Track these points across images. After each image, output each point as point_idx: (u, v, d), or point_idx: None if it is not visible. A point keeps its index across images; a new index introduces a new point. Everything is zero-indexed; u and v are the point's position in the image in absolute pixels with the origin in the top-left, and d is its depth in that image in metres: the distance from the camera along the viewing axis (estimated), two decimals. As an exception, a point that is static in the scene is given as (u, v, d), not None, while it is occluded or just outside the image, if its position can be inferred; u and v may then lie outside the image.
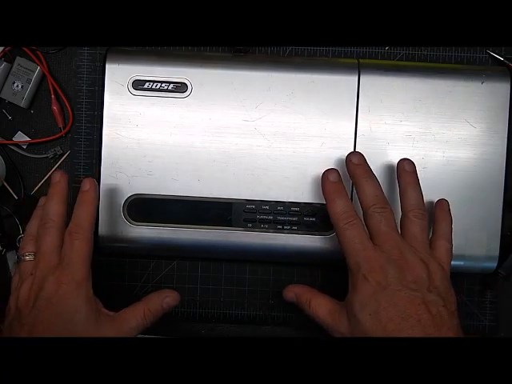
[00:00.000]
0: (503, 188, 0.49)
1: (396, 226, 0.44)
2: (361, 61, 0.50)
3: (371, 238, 0.43)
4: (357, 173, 0.45)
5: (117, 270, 0.53)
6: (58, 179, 0.46)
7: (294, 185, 0.49)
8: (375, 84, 0.49)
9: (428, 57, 0.53)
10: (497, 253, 0.49)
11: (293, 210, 0.49)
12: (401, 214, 0.45)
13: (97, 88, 0.53)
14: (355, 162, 0.46)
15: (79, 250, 0.43)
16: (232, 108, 0.49)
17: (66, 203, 0.45)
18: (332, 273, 0.54)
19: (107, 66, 0.49)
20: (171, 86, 0.49)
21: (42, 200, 0.49)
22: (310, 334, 0.53)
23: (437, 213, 0.47)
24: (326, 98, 0.49)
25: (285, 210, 0.49)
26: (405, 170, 0.46)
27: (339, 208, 0.44)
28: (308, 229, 0.49)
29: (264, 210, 0.49)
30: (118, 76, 0.49)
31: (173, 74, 0.49)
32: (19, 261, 0.45)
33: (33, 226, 0.47)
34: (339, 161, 0.49)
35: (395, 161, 0.48)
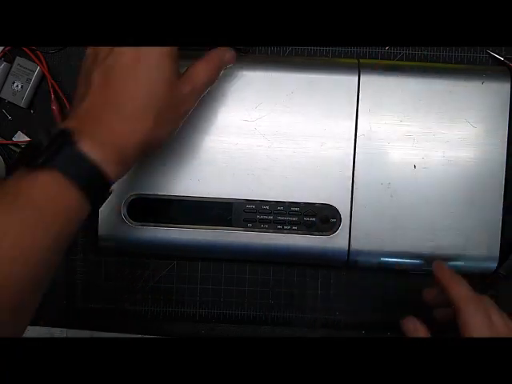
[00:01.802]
0: (503, 188, 0.49)
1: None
2: (361, 61, 0.50)
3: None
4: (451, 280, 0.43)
5: (117, 270, 0.53)
6: None
7: (294, 185, 0.49)
8: (375, 84, 0.49)
9: (428, 57, 0.53)
10: (497, 253, 0.49)
11: (293, 210, 0.49)
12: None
13: (97, 88, 0.53)
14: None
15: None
16: (232, 108, 0.49)
17: None
18: (332, 273, 0.54)
19: (107, 65, 0.49)
20: (171, 85, 0.49)
21: None
22: (310, 335, 0.53)
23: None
24: (326, 98, 0.49)
25: (285, 209, 0.49)
26: (442, 269, 0.45)
27: (465, 289, 0.42)
28: (308, 229, 0.49)
29: (264, 209, 0.49)
30: (117, 76, 0.49)
31: (173, 74, 0.49)
32: None
33: None
34: (339, 161, 0.49)
35: (395, 161, 0.48)
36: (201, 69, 0.43)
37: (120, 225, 0.49)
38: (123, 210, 0.49)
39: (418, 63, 0.53)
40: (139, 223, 0.49)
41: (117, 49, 0.39)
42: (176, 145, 0.49)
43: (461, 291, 0.42)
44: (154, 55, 0.39)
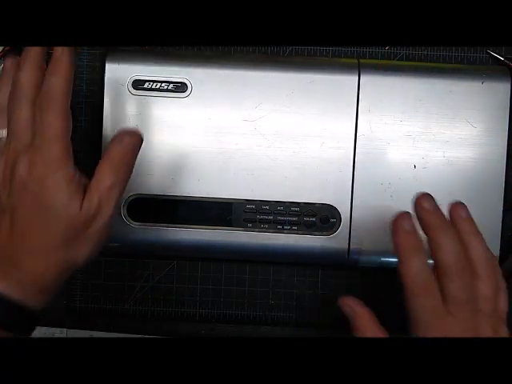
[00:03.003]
0: (503, 188, 0.49)
1: (471, 287, 0.38)
2: (361, 61, 0.50)
3: (444, 300, 0.38)
4: (433, 223, 0.38)
5: (117, 270, 0.53)
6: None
7: (294, 185, 0.49)
8: (375, 84, 0.49)
9: (428, 57, 0.53)
10: (497, 253, 0.49)
11: (293, 210, 0.49)
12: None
13: (96, 88, 0.53)
14: (428, 207, 0.38)
15: (51, 123, 0.37)
16: (232, 108, 0.49)
17: (41, 71, 0.39)
18: (332, 273, 0.54)
19: (107, 65, 0.49)
20: (171, 85, 0.49)
21: (7, 61, 0.43)
22: (310, 335, 0.53)
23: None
24: (325, 98, 0.49)
25: (285, 209, 0.49)
26: (461, 217, 0.40)
27: (416, 268, 0.37)
28: (308, 229, 0.49)
29: (264, 209, 0.49)
30: (117, 76, 0.49)
31: (173, 74, 0.49)
32: None
33: (1, 96, 0.41)
34: (339, 161, 0.49)
35: (395, 161, 0.48)
36: (104, 174, 0.39)
37: (120, 225, 0.49)
38: (123, 210, 0.49)
39: (418, 63, 0.53)
40: (139, 223, 0.49)
41: (16, 189, 0.38)
42: (176, 145, 0.49)
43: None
44: (52, 188, 0.37)
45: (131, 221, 0.49)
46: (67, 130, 0.38)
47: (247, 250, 0.50)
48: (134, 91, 0.49)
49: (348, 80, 0.49)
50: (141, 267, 0.53)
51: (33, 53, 0.40)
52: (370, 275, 0.53)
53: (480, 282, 0.39)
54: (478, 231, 0.40)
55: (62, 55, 0.39)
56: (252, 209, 0.49)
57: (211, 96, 0.49)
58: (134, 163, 0.40)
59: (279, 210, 0.49)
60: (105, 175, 0.39)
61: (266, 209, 0.49)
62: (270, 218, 0.49)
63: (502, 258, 0.50)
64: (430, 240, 0.38)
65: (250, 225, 0.49)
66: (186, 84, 0.49)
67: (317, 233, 0.49)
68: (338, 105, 0.49)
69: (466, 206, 0.40)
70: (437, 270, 0.38)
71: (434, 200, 0.39)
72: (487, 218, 0.49)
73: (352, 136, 0.49)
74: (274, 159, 0.49)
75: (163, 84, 0.49)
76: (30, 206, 0.37)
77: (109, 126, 0.49)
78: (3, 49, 0.52)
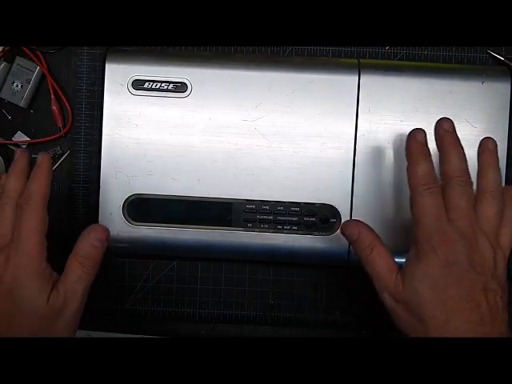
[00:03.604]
0: (503, 188, 0.49)
1: (473, 204, 0.42)
2: (361, 61, 0.50)
3: (446, 210, 0.41)
4: (446, 139, 0.42)
5: (116, 270, 0.53)
6: (18, 156, 0.45)
7: (294, 185, 0.49)
8: (375, 84, 0.49)
9: (428, 57, 0.53)
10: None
11: (293, 210, 0.49)
12: (476, 191, 0.43)
13: (96, 88, 0.53)
14: (446, 127, 0.42)
15: (28, 220, 0.41)
16: (232, 108, 0.49)
17: (25, 180, 0.44)
18: (332, 273, 0.54)
19: (107, 65, 0.49)
20: (171, 85, 0.49)
21: (1, 178, 0.47)
22: (310, 335, 0.53)
23: (504, 197, 0.43)
24: (326, 98, 0.49)
25: (285, 209, 0.49)
26: (488, 149, 0.44)
27: (422, 171, 0.41)
28: (308, 229, 0.49)
29: (264, 209, 0.49)
30: (117, 76, 0.49)
31: (173, 74, 0.49)
32: None
33: None
34: (339, 161, 0.49)
35: (395, 161, 0.48)
36: (70, 268, 0.42)
37: (120, 225, 0.49)
38: (123, 210, 0.49)
39: (418, 63, 0.53)
40: (139, 223, 0.49)
41: None
42: (176, 145, 0.49)
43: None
44: (23, 281, 0.40)
45: (131, 221, 0.49)
46: (42, 227, 0.41)
47: (247, 250, 0.50)
48: (134, 91, 0.49)
49: (348, 80, 0.49)
50: (141, 267, 0.53)
51: (18, 165, 0.45)
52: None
53: (485, 201, 0.42)
54: (497, 165, 0.43)
55: (42, 162, 0.43)
56: (252, 209, 0.49)
57: (211, 96, 0.49)
58: (100, 258, 0.43)
59: (279, 210, 0.49)
60: (71, 270, 0.42)
61: (266, 209, 0.49)
62: (269, 217, 0.49)
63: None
64: (440, 154, 0.42)
65: (250, 225, 0.49)
66: (186, 84, 0.49)
67: (317, 233, 0.49)
68: (338, 105, 0.49)
69: (495, 142, 0.44)
70: (442, 182, 0.42)
71: (453, 125, 0.43)
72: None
73: (352, 136, 0.49)
74: (274, 159, 0.49)
75: (163, 84, 0.49)
76: (2, 297, 0.40)
77: (109, 125, 0.49)
78: (3, 49, 0.52)
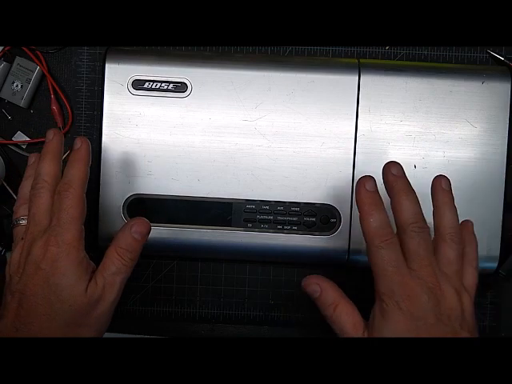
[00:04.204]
0: (503, 188, 0.49)
1: (433, 249, 0.40)
2: (361, 60, 0.50)
3: (406, 259, 0.39)
4: (396, 186, 0.41)
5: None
6: (52, 137, 0.43)
7: (294, 185, 0.49)
8: (375, 84, 0.49)
9: (428, 57, 0.53)
10: (497, 253, 0.49)
11: (293, 210, 0.49)
12: (434, 233, 0.42)
13: (96, 88, 0.53)
14: (395, 172, 0.41)
15: (68, 208, 0.40)
16: (232, 108, 0.49)
17: (59, 162, 0.43)
18: (332, 273, 0.54)
19: (107, 65, 0.49)
20: (171, 85, 0.49)
21: (31, 158, 0.46)
22: (310, 335, 0.53)
23: (463, 235, 0.43)
24: (326, 98, 0.49)
25: (285, 209, 0.49)
26: (442, 188, 0.42)
27: (376, 223, 0.39)
28: (308, 229, 0.49)
29: (264, 209, 0.49)
30: (117, 76, 0.49)
31: (173, 74, 0.49)
32: (13, 226, 0.44)
33: (25, 187, 0.44)
34: (339, 161, 0.49)
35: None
36: (110, 259, 0.41)
37: (120, 225, 0.49)
38: (123, 210, 0.49)
39: (418, 63, 0.53)
40: (139, 223, 0.49)
41: (28, 269, 0.40)
42: (176, 145, 0.49)
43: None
44: (62, 268, 0.40)
45: (131, 221, 0.49)
46: (82, 215, 0.41)
47: (247, 250, 0.50)
48: (134, 91, 0.49)
49: (348, 80, 0.49)
50: (141, 267, 0.53)
51: (51, 147, 0.43)
52: (370, 275, 0.53)
53: (444, 245, 0.41)
54: (453, 204, 0.42)
55: (81, 147, 0.42)
56: (252, 209, 0.49)
57: (211, 96, 0.49)
58: (140, 251, 0.42)
59: (279, 210, 0.49)
60: (111, 261, 0.41)
61: (266, 209, 0.49)
62: (269, 217, 0.49)
63: (502, 258, 0.50)
64: (392, 202, 0.41)
65: (250, 225, 0.49)
66: (186, 84, 0.49)
67: (317, 233, 0.49)
68: (338, 105, 0.49)
69: (448, 180, 0.43)
70: (397, 231, 0.40)
71: (402, 168, 0.41)
72: (487, 218, 0.49)
73: (352, 136, 0.49)
74: (274, 159, 0.49)
75: (163, 84, 0.49)
76: (40, 284, 0.39)
77: (109, 126, 0.49)
78: (3, 49, 0.52)
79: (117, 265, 0.41)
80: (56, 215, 0.40)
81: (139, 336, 0.53)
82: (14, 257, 0.42)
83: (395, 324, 0.38)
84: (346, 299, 0.42)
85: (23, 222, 0.43)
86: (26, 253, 0.41)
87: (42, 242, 0.40)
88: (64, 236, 0.40)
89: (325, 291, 0.42)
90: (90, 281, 0.40)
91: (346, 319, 0.40)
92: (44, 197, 0.42)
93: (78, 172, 0.42)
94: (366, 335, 0.40)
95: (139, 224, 0.42)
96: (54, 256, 0.39)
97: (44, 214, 0.41)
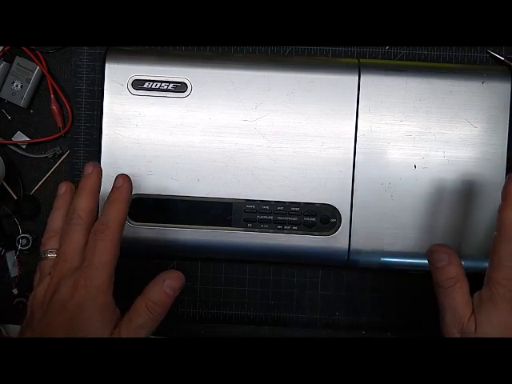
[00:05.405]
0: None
1: None
2: (361, 60, 0.50)
3: None
4: None
5: (116, 270, 0.53)
6: (91, 171, 0.42)
7: (294, 185, 0.49)
8: (375, 84, 0.49)
9: (428, 57, 0.53)
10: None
11: (293, 210, 0.49)
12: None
13: (96, 88, 0.53)
14: None
15: (102, 251, 0.39)
16: (232, 108, 0.49)
17: (96, 199, 0.42)
18: (332, 273, 0.54)
19: (107, 65, 0.49)
20: (171, 85, 0.49)
21: (61, 188, 0.44)
22: (310, 335, 0.53)
23: None
24: (326, 98, 0.49)
25: (285, 209, 0.49)
26: None
27: None
28: (308, 229, 0.49)
29: (264, 209, 0.49)
30: (117, 76, 0.49)
31: (173, 74, 0.49)
32: (41, 258, 0.42)
33: (55, 219, 0.43)
34: (339, 161, 0.49)
35: (395, 161, 0.48)
36: (138, 312, 0.40)
37: (120, 225, 0.49)
38: (123, 210, 0.49)
39: (418, 63, 0.53)
40: (139, 223, 0.49)
41: (53, 308, 0.39)
42: (176, 145, 0.49)
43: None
44: (89, 312, 0.38)
45: (131, 221, 0.49)
46: (115, 260, 0.40)
47: (247, 250, 0.50)
48: (134, 91, 0.49)
49: (348, 80, 0.49)
50: (141, 267, 0.53)
51: (90, 182, 0.42)
52: (370, 275, 0.53)
53: None
54: None
55: (123, 186, 0.41)
56: (252, 209, 0.49)
57: (211, 96, 0.49)
58: (170, 306, 0.40)
59: (279, 210, 0.49)
60: (138, 314, 0.39)
61: (266, 209, 0.49)
62: (269, 217, 0.49)
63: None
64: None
65: (250, 225, 0.49)
66: (186, 84, 0.49)
67: (317, 233, 0.49)
68: (338, 105, 0.49)
69: None
70: None
71: None
72: (487, 218, 0.49)
73: (352, 136, 0.49)
74: (274, 159, 0.49)
75: (163, 84, 0.49)
76: (62, 325, 0.38)
77: (109, 125, 0.49)
78: (3, 49, 0.52)
79: (144, 318, 0.39)
80: (89, 257, 0.39)
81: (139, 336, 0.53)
82: (39, 291, 0.40)
83: (503, 312, 0.38)
84: (466, 277, 0.41)
85: (51, 256, 0.42)
86: (53, 290, 0.39)
87: (71, 282, 0.39)
88: (94, 280, 0.39)
89: (451, 264, 0.41)
90: (114, 328, 0.39)
91: (461, 296, 0.40)
92: (78, 234, 0.40)
93: (116, 213, 0.40)
94: (472, 319, 0.39)
95: (173, 278, 0.41)
96: (82, 299, 0.38)
97: (76, 253, 0.40)
